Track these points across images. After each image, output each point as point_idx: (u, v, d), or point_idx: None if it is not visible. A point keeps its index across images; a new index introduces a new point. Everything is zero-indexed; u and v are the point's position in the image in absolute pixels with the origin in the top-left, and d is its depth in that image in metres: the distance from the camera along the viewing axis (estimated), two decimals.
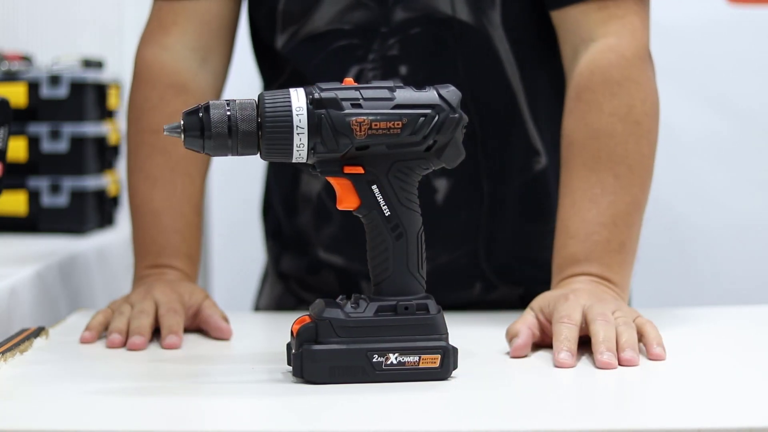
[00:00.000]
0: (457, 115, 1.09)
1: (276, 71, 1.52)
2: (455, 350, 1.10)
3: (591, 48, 1.37)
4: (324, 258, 1.54)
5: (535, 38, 1.46)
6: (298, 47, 1.48)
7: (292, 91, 1.07)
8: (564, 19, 1.41)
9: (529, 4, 1.44)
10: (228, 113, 1.06)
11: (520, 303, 1.50)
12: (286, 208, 1.57)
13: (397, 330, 1.09)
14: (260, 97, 1.07)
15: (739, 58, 2.48)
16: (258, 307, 1.69)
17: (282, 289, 1.62)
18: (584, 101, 1.35)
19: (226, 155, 1.07)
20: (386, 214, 1.10)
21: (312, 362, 1.08)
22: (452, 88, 1.10)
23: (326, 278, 1.55)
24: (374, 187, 1.09)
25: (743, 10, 2.47)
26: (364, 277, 1.51)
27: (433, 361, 1.09)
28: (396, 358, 1.09)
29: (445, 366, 1.09)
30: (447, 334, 1.10)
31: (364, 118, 1.07)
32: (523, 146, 1.47)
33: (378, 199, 1.10)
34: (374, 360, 1.08)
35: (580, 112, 1.35)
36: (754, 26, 2.48)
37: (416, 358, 1.09)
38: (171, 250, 1.40)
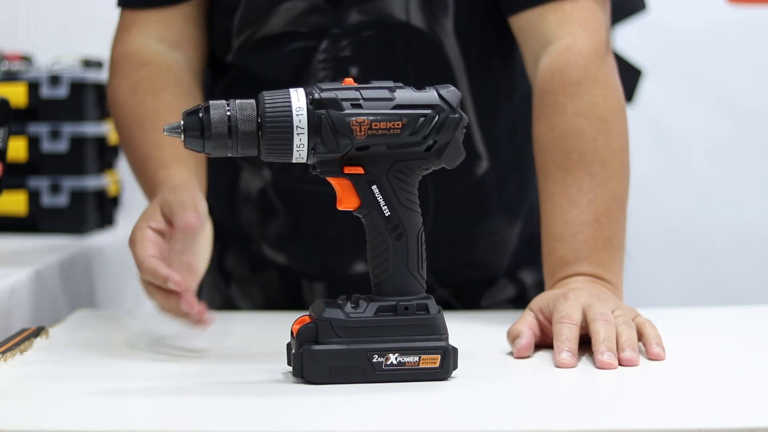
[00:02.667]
0: (457, 116, 1.09)
1: (220, 73, 1.53)
2: (455, 350, 1.10)
3: (549, 51, 1.39)
4: (269, 255, 1.54)
5: (487, 46, 1.48)
6: (252, 50, 1.49)
7: (292, 91, 1.07)
8: (521, 24, 1.42)
9: (483, 13, 1.46)
10: (228, 113, 1.06)
11: (453, 303, 1.52)
12: (224, 205, 1.57)
13: (397, 330, 1.09)
14: (260, 97, 1.07)
15: (739, 58, 2.48)
16: None
17: (222, 300, 1.62)
18: (547, 104, 1.36)
19: (227, 155, 1.07)
20: (386, 215, 1.10)
21: (312, 362, 1.08)
22: (452, 88, 1.10)
23: (269, 276, 1.55)
24: (374, 187, 1.09)
25: (743, 10, 2.47)
26: (305, 276, 1.52)
27: (433, 361, 1.09)
28: (396, 359, 1.09)
29: (445, 366, 1.09)
30: (447, 334, 1.10)
31: (364, 118, 1.07)
32: (467, 151, 1.49)
33: (378, 199, 1.09)
34: (374, 360, 1.08)
35: (545, 116, 1.37)
36: (754, 26, 2.48)
37: (416, 359, 1.09)
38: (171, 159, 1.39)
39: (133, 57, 1.47)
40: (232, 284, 1.60)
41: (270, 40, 1.47)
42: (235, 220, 1.57)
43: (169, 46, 1.48)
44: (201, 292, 1.68)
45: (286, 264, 1.54)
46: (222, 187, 1.57)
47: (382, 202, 1.09)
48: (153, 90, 1.43)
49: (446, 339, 1.10)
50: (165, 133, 1.08)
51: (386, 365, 1.08)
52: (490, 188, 1.52)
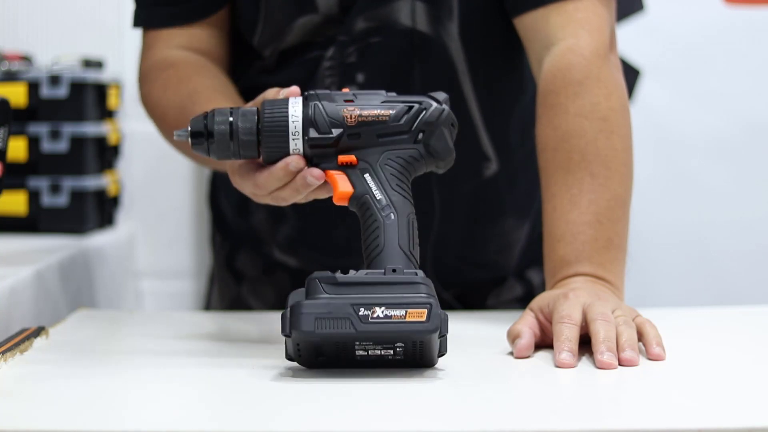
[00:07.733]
0: (443, 107, 1.16)
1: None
2: (446, 316, 1.10)
3: (551, 52, 1.39)
4: (279, 258, 1.55)
5: (492, 50, 1.49)
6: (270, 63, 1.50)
7: (291, 100, 1.16)
8: (525, 26, 1.43)
9: (488, 17, 1.47)
10: (230, 120, 1.16)
11: (456, 306, 1.52)
12: (236, 209, 1.58)
13: (384, 288, 1.09)
14: (262, 105, 1.16)
15: (737, 59, 2.48)
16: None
17: (232, 298, 1.62)
18: (549, 105, 1.37)
19: (230, 158, 1.17)
20: (377, 197, 1.14)
21: (299, 314, 1.07)
22: (440, 92, 1.19)
23: (280, 279, 1.56)
24: (366, 175, 1.16)
25: (740, 11, 2.47)
26: None
27: (419, 315, 1.08)
28: (383, 311, 1.08)
29: (433, 320, 1.08)
30: (435, 297, 1.10)
31: (354, 106, 1.16)
32: (474, 153, 1.49)
33: (370, 185, 1.15)
34: (361, 313, 1.08)
35: (547, 117, 1.37)
36: (751, 26, 2.48)
37: (403, 312, 1.08)
38: None
39: (160, 63, 1.48)
40: (244, 283, 1.61)
41: (286, 51, 1.49)
42: (246, 224, 1.57)
43: (195, 52, 1.49)
44: (212, 289, 1.68)
45: (297, 266, 1.54)
46: (234, 191, 1.57)
47: (374, 187, 1.15)
48: (185, 78, 1.44)
49: (434, 299, 1.09)
50: (175, 138, 1.17)
51: (373, 317, 1.08)
52: (501, 190, 1.52)
